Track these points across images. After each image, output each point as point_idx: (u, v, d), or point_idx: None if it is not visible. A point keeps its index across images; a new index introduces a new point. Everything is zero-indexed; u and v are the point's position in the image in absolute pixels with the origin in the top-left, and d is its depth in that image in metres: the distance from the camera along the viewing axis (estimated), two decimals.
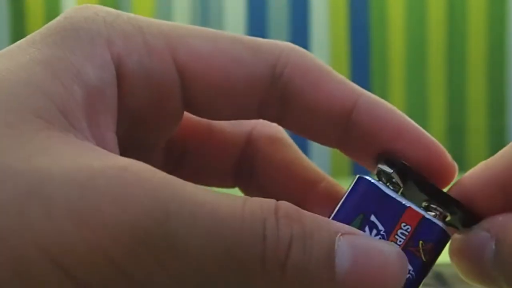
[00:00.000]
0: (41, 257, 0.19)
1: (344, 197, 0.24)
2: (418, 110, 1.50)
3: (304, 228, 0.21)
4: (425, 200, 0.24)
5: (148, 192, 0.20)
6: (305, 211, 0.21)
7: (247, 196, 0.21)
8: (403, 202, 0.24)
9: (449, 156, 0.26)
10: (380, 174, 0.25)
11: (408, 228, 0.23)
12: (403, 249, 0.23)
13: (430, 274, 0.51)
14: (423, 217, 0.24)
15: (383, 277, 0.22)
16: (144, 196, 0.19)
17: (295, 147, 0.27)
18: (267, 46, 0.25)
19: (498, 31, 1.50)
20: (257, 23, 1.49)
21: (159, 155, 0.26)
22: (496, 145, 1.51)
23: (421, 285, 0.24)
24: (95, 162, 0.20)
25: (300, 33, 1.50)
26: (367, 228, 0.23)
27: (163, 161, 0.27)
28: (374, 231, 0.23)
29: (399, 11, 1.50)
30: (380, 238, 0.23)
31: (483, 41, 1.49)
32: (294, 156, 0.27)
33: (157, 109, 0.24)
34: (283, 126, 0.26)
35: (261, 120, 0.26)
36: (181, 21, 1.49)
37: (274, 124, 0.26)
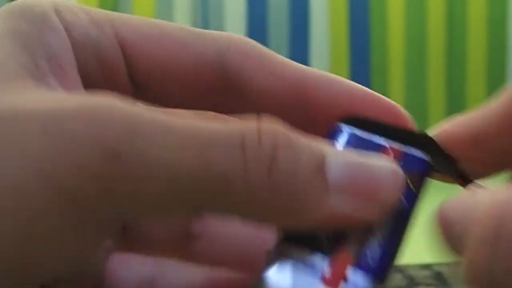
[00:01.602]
0: (36, 178, 0.19)
1: None
2: (418, 109, 1.50)
3: (290, 140, 0.21)
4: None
5: (116, 115, 0.20)
6: (290, 131, 0.21)
7: (227, 121, 0.21)
8: (381, 142, 0.24)
9: (403, 111, 0.26)
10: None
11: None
12: None
13: (430, 274, 0.51)
14: (403, 152, 0.24)
15: (378, 188, 0.22)
16: (113, 119, 0.20)
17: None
18: (213, 33, 0.25)
19: (498, 30, 1.50)
20: (257, 23, 1.49)
21: None
22: None
23: (413, 217, 0.25)
24: (66, 96, 0.21)
25: (300, 33, 1.50)
26: None
27: None
28: None
29: (399, 10, 1.50)
30: None
31: (483, 39, 1.49)
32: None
33: (108, 84, 0.24)
34: (228, 113, 0.25)
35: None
36: (181, 21, 1.49)
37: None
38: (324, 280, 0.22)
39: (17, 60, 0.22)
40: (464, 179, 0.27)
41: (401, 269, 0.52)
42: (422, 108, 1.50)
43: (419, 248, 0.64)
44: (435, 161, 0.25)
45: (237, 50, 0.25)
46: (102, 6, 1.48)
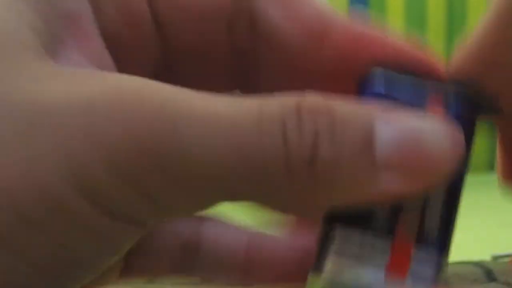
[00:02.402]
0: (64, 186, 0.18)
1: (366, 90, 0.23)
2: None
3: (334, 119, 0.19)
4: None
5: (149, 113, 0.19)
6: (337, 100, 0.20)
7: (263, 98, 0.19)
8: (421, 82, 0.22)
9: (438, 63, 0.24)
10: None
11: (445, 102, 0.22)
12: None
13: None
14: (449, 92, 0.22)
15: (433, 160, 0.20)
16: (146, 117, 0.19)
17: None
18: None
19: None
20: None
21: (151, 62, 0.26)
22: (496, 144, 1.51)
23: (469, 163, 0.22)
24: (94, 87, 0.19)
25: None
26: None
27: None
28: None
29: (398, 10, 1.50)
30: None
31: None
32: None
33: (133, 35, 0.23)
34: (254, 60, 0.24)
35: None
36: None
37: None
38: (389, 267, 0.21)
39: (30, 25, 0.21)
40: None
41: None
42: None
43: None
44: (480, 106, 0.23)
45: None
46: None
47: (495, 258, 0.48)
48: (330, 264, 0.21)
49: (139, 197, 0.19)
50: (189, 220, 0.24)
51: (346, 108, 0.20)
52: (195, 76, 0.24)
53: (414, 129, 0.20)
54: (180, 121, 0.19)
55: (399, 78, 0.23)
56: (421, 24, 1.50)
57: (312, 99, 0.19)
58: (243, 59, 0.24)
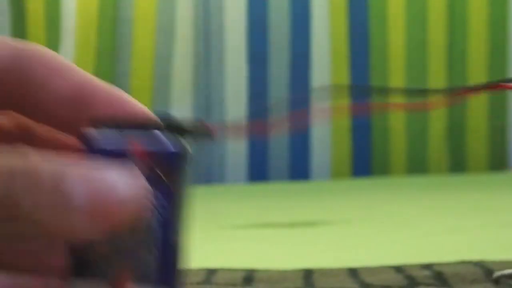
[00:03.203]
0: None
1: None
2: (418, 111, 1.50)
3: (27, 169, 0.23)
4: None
5: None
6: (43, 162, 0.23)
7: None
8: (124, 145, 0.25)
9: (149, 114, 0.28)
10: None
11: (147, 169, 0.25)
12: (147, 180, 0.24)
13: (430, 274, 0.51)
14: (148, 152, 0.25)
15: (116, 209, 0.23)
16: None
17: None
18: (13, 41, 0.28)
19: (499, 29, 1.50)
20: (257, 23, 1.49)
21: None
22: (497, 145, 1.51)
23: (178, 206, 0.25)
24: None
25: (300, 33, 1.50)
26: None
27: None
28: None
29: (399, 10, 1.50)
30: None
31: (483, 39, 1.49)
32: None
33: None
34: (23, 114, 0.28)
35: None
36: (182, 20, 1.50)
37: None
38: None
39: None
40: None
41: (401, 269, 0.52)
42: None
43: (419, 248, 0.64)
44: (183, 143, 0.26)
45: (39, 60, 0.28)
46: (103, 2, 1.49)
47: (498, 278, 0.48)
48: None
49: None
50: None
51: (47, 167, 0.23)
52: None
53: (99, 179, 0.23)
54: None
55: (111, 133, 0.26)
56: (421, 24, 1.50)
57: (18, 152, 0.23)
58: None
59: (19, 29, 1.47)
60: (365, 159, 1.51)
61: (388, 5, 1.50)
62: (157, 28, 1.49)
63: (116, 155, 0.25)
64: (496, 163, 1.51)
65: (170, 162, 0.25)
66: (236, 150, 1.50)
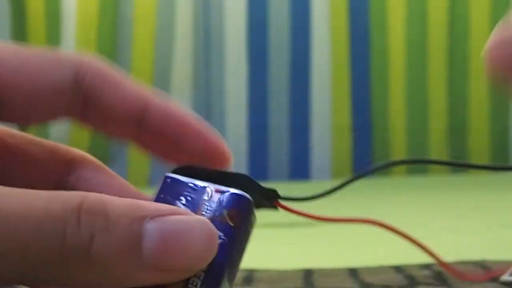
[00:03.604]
0: None
1: (155, 196, 0.27)
2: (418, 110, 1.50)
3: (108, 220, 0.23)
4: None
5: None
6: (114, 200, 0.24)
7: (52, 194, 0.23)
8: (201, 184, 0.27)
9: (222, 143, 0.30)
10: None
11: (211, 203, 0.26)
12: (210, 221, 0.26)
13: (430, 273, 0.51)
14: (221, 191, 0.27)
15: (191, 250, 0.24)
16: None
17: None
18: (65, 56, 0.28)
19: None
20: (257, 23, 1.49)
21: None
22: (498, 146, 1.51)
23: (239, 250, 0.26)
24: None
25: (300, 33, 1.50)
26: None
27: None
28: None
29: (399, 11, 1.50)
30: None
31: (485, 40, 1.49)
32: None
33: None
34: (87, 124, 0.29)
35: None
36: (182, 22, 1.50)
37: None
38: None
39: None
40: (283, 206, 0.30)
41: (401, 269, 0.52)
42: (423, 108, 1.50)
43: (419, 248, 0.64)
44: (254, 196, 0.27)
45: (95, 74, 0.28)
46: (103, 3, 1.49)
47: (504, 282, 0.48)
48: None
49: None
50: None
51: (121, 209, 0.24)
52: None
53: (176, 228, 0.24)
54: None
55: (185, 181, 0.27)
56: (421, 24, 1.50)
57: (92, 200, 0.23)
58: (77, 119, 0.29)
59: (19, 28, 1.47)
60: (365, 159, 1.51)
61: (388, 5, 1.50)
62: (157, 27, 1.49)
63: (190, 187, 0.27)
64: (498, 163, 1.50)
65: (237, 204, 0.26)
66: (236, 150, 1.49)
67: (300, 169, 1.51)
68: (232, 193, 0.27)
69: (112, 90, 0.28)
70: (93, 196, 0.23)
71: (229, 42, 1.49)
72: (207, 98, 1.50)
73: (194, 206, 0.26)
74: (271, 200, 0.30)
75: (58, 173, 0.30)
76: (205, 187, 0.27)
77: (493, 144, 1.51)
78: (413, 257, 0.58)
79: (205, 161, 0.29)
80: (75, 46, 1.48)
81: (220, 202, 0.26)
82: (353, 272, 0.52)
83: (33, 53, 0.28)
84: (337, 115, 1.50)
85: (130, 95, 0.28)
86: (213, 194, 0.27)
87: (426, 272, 0.52)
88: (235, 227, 0.26)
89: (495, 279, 0.48)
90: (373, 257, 0.60)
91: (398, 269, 0.53)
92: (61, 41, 1.48)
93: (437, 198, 1.10)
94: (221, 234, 0.26)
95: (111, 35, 1.49)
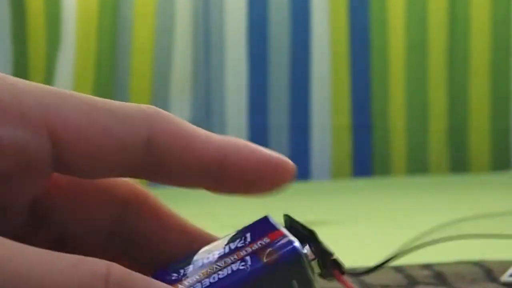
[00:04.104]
0: None
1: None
2: (418, 111, 1.50)
3: None
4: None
5: None
6: (138, 275, 0.24)
7: (80, 258, 0.23)
8: (280, 228, 0.27)
9: (287, 164, 0.30)
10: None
11: (267, 240, 0.26)
12: (252, 252, 0.26)
13: (430, 273, 0.51)
14: (283, 233, 0.27)
15: None
16: None
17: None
18: (135, 114, 0.27)
19: (501, 30, 1.50)
20: (257, 23, 1.49)
21: (22, 215, 0.28)
22: (498, 146, 1.51)
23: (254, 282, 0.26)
24: None
25: (300, 32, 1.50)
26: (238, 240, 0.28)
27: (25, 222, 0.28)
28: (240, 241, 0.27)
29: (399, 11, 1.50)
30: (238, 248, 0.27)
31: (485, 40, 1.49)
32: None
33: (22, 172, 0.26)
34: (160, 183, 0.28)
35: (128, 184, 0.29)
36: (182, 21, 1.50)
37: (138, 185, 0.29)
38: None
39: None
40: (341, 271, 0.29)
41: (401, 269, 0.52)
42: (423, 108, 1.50)
43: (419, 248, 0.64)
44: (321, 264, 0.27)
45: (165, 134, 0.27)
46: (103, 3, 1.49)
47: (504, 283, 0.48)
48: None
49: None
50: None
51: (145, 284, 0.24)
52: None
53: None
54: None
55: (275, 227, 0.27)
56: (421, 24, 1.50)
57: (119, 271, 0.23)
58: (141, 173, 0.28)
59: (19, 28, 1.47)
60: (365, 159, 1.51)
61: (388, 5, 1.50)
62: (157, 26, 1.49)
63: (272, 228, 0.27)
64: (498, 163, 1.51)
65: (283, 249, 0.26)
66: None
67: (300, 169, 1.51)
68: (287, 240, 0.26)
69: (189, 150, 0.27)
70: (118, 267, 0.23)
71: (229, 42, 1.49)
72: (207, 96, 1.50)
73: (254, 237, 0.27)
74: (332, 270, 0.29)
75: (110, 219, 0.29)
76: (277, 228, 0.27)
77: (493, 144, 1.51)
78: (413, 257, 0.58)
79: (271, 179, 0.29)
80: (75, 46, 1.48)
81: (273, 242, 0.26)
82: (353, 272, 0.52)
83: (99, 110, 0.26)
84: (337, 115, 1.50)
85: (206, 151, 0.27)
86: (276, 235, 0.27)
87: (426, 272, 0.52)
88: (265, 264, 0.26)
89: (495, 279, 0.48)
90: (373, 257, 0.60)
91: (398, 269, 0.53)
92: (61, 41, 1.48)
93: (437, 198, 1.10)
94: (247, 262, 0.26)
95: (111, 35, 1.49)
